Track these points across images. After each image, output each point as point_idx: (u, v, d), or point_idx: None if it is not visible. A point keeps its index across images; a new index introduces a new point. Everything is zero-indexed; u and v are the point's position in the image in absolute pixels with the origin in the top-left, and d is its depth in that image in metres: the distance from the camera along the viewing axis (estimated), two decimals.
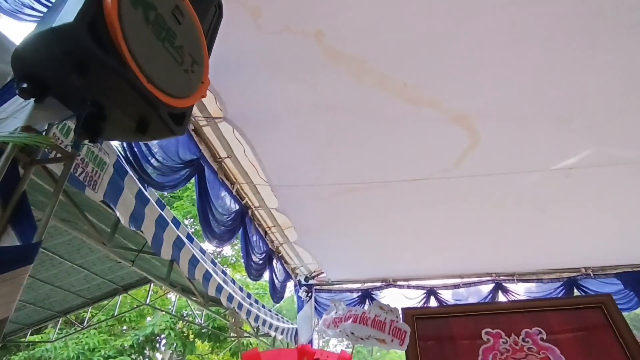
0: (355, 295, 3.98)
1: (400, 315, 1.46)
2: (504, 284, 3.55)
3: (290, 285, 4.39)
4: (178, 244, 1.91)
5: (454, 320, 1.57)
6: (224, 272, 3.19)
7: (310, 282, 4.01)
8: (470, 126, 1.75)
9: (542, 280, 3.52)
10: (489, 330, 1.51)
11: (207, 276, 2.24)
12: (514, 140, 1.94)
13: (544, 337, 1.44)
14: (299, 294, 3.97)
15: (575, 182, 2.31)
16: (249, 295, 3.29)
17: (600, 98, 1.63)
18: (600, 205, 2.72)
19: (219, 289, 2.36)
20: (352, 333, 1.51)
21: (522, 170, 2.18)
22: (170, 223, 1.83)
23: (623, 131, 1.81)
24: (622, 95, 1.62)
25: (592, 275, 3.56)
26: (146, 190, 1.68)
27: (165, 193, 9.61)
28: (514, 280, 3.65)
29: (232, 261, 9.15)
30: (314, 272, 4.14)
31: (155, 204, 1.71)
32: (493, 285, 3.59)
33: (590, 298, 1.47)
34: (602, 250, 3.40)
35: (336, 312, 1.60)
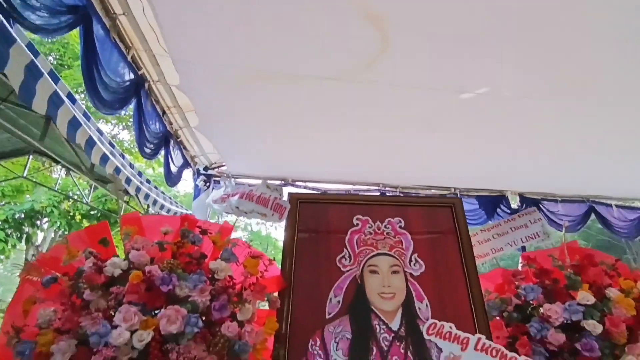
0: None
1: (284, 196, 1.62)
2: (387, 194, 4.06)
3: (189, 174, 4.36)
4: (56, 101, 1.72)
5: (331, 206, 1.77)
6: (123, 156, 3.01)
7: (210, 172, 4.03)
8: (384, 29, 1.79)
9: (418, 194, 4.11)
10: (360, 216, 1.74)
11: (91, 142, 2.10)
12: (424, 55, 2.05)
13: (402, 226, 1.72)
14: (197, 182, 3.99)
15: (471, 108, 2.59)
16: (140, 174, 3.19)
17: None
18: (485, 135, 3.13)
19: (105, 159, 2.24)
20: (237, 207, 1.63)
21: (425, 86, 2.36)
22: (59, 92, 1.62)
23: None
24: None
25: (458, 194, 4.29)
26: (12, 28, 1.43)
27: (52, 59, 8.23)
28: (397, 192, 4.20)
29: (126, 146, 8.60)
30: (215, 163, 4.16)
31: (25, 47, 1.48)
32: (379, 194, 4.09)
33: (444, 199, 1.77)
34: (472, 175, 4.06)
35: (225, 189, 1.69)
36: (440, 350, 1.41)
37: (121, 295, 1.25)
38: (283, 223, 1.65)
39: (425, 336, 1.43)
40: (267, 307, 1.52)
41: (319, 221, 1.74)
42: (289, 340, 1.46)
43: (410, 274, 1.61)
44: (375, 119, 2.89)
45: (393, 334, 1.46)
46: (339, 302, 1.54)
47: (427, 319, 1.49)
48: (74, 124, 1.89)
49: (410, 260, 1.64)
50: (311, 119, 2.91)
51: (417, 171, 3.84)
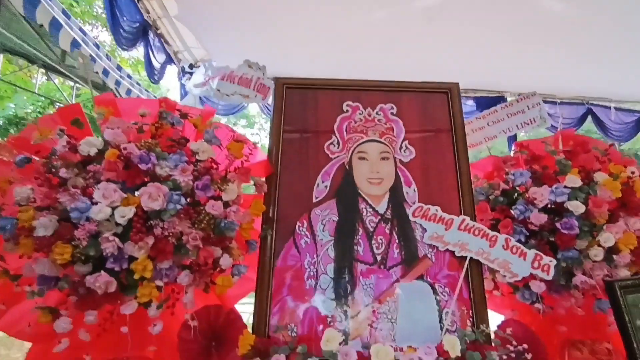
0: None
1: (267, 75, 1.52)
2: None
3: (173, 73, 4.14)
4: None
5: (320, 92, 1.67)
6: (97, 46, 2.77)
7: (195, 70, 3.81)
8: None
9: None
10: (350, 103, 1.64)
11: (56, 25, 1.90)
12: None
13: (394, 112, 1.64)
14: (183, 81, 3.79)
15: None
16: (119, 68, 3.00)
17: None
18: (490, 26, 2.90)
19: (76, 44, 2.05)
20: (218, 90, 1.53)
21: None
22: None
23: None
24: None
25: None
26: None
27: None
28: None
29: (108, 49, 8.09)
30: (200, 60, 3.92)
31: None
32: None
33: (440, 84, 1.66)
34: (471, 72, 3.89)
35: (205, 72, 1.57)
36: (424, 230, 1.44)
37: (99, 174, 1.21)
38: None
39: (411, 218, 1.45)
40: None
41: (306, 107, 1.66)
42: (277, 223, 1.48)
43: (400, 160, 1.58)
44: (372, 10, 2.63)
45: (379, 217, 1.48)
46: (326, 187, 1.53)
47: (414, 203, 1.50)
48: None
49: (401, 147, 1.60)
50: (305, 6, 2.64)
51: (413, 68, 3.66)
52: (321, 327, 1.33)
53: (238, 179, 1.36)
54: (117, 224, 1.17)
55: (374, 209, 1.50)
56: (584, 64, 4.05)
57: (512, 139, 3.10)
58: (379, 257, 1.43)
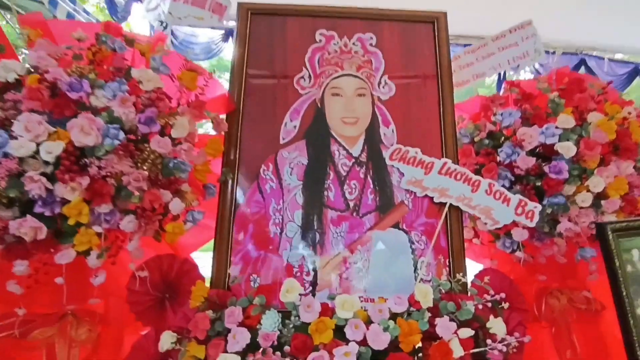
0: None
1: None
2: None
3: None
4: None
5: (290, 19, 1.47)
6: None
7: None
8: None
9: None
10: (324, 31, 1.45)
11: None
12: None
13: (373, 43, 1.46)
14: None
15: None
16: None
17: None
18: None
19: None
20: (170, 13, 1.31)
21: None
22: None
23: None
24: None
25: None
26: None
27: None
28: None
29: None
30: None
31: None
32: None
33: (424, 13, 1.47)
34: (461, 17, 3.65)
35: None
36: (402, 175, 1.31)
37: (20, 103, 1.02)
38: None
39: (388, 162, 1.32)
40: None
41: (273, 36, 1.45)
42: (239, 166, 1.33)
43: (378, 97, 1.41)
44: None
45: (353, 160, 1.34)
46: (295, 126, 1.37)
47: (392, 145, 1.36)
48: None
49: (380, 83, 1.43)
50: None
51: None
52: (287, 278, 1.22)
53: (190, 114, 1.18)
54: (46, 163, 1.00)
55: (347, 151, 1.35)
56: (579, 12, 3.85)
57: (501, 84, 2.94)
58: (351, 204, 1.30)
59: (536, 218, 1.27)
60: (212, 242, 1.29)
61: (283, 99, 1.40)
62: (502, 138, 1.42)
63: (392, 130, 1.38)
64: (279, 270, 1.23)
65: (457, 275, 1.19)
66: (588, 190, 1.31)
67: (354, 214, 1.29)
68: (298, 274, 1.23)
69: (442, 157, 1.35)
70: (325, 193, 1.30)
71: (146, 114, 1.09)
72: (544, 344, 1.51)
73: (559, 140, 1.33)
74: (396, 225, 1.29)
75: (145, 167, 1.06)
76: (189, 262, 1.23)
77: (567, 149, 1.30)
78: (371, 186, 1.32)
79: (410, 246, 1.28)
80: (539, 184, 1.33)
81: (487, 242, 1.48)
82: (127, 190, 1.04)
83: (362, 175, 1.33)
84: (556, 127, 1.33)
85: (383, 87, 1.43)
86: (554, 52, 4.27)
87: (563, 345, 1.49)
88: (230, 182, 1.31)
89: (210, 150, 1.21)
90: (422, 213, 1.31)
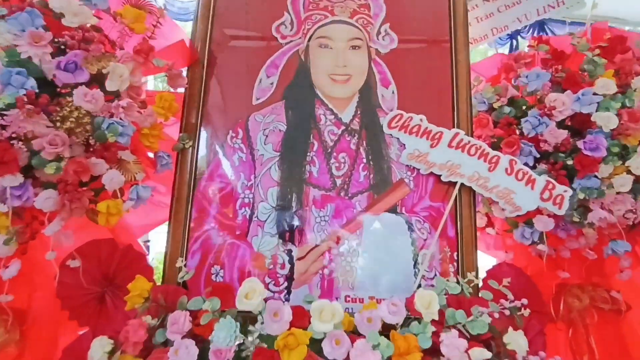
0: None
1: None
2: None
3: None
4: None
5: None
6: None
7: None
8: None
9: None
10: None
11: None
12: None
13: None
14: None
15: None
16: None
17: None
18: None
19: None
20: None
21: None
22: None
23: None
24: None
25: None
26: None
27: None
28: None
29: None
30: None
31: None
32: None
33: None
34: None
35: None
36: (402, 146, 1.06)
37: None
38: None
39: (386, 130, 1.07)
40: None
41: None
42: (201, 131, 1.08)
43: (377, 50, 1.15)
44: None
45: (343, 127, 1.09)
46: (272, 84, 1.11)
47: (392, 110, 1.11)
48: None
49: (379, 33, 1.16)
50: None
51: None
52: (257, 270, 0.99)
53: (133, 61, 0.92)
54: None
55: (336, 116, 1.10)
56: None
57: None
58: (339, 181, 1.06)
59: (566, 205, 1.04)
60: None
61: (258, 50, 1.13)
62: (527, 106, 1.16)
63: (393, 92, 1.13)
64: (248, 262, 1.00)
65: (468, 274, 0.97)
66: (629, 172, 1.08)
67: (342, 193, 1.05)
68: (271, 266, 1.00)
69: (453, 126, 1.10)
70: (307, 167, 1.06)
71: (68, 58, 0.82)
72: (558, 348, 1.31)
73: (597, 110, 1.08)
74: (393, 209, 1.06)
75: (66, 127, 0.81)
76: (133, 250, 0.99)
77: (608, 119, 1.06)
78: (364, 160, 1.08)
79: (410, 235, 1.04)
80: (570, 162, 1.09)
81: (502, 232, 1.25)
82: (41, 158, 0.79)
83: (353, 147, 1.08)
84: (594, 94, 1.08)
85: (383, 39, 1.16)
86: (571, 23, 3.96)
87: (580, 349, 1.30)
88: (190, 151, 1.06)
89: (160, 109, 0.95)
90: (425, 195, 1.08)
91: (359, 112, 1.10)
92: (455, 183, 1.05)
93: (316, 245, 1.01)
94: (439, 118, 1.10)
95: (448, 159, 1.06)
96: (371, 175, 1.07)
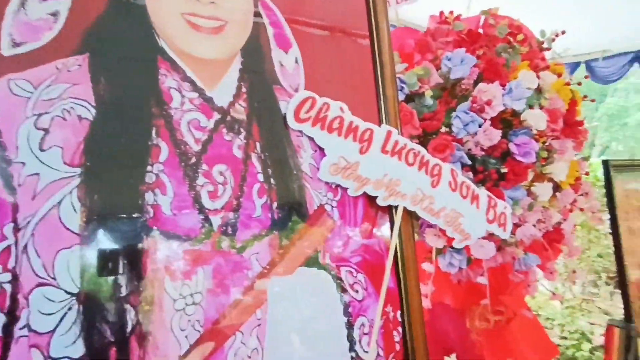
0: None
1: None
2: None
3: None
4: None
5: None
6: None
7: None
8: None
9: None
10: None
11: None
12: None
13: None
14: None
15: None
16: None
17: None
18: None
19: None
20: None
21: None
22: None
23: None
24: None
25: None
26: None
27: None
28: None
29: None
30: None
31: None
32: None
33: None
34: None
35: None
36: (319, 151, 0.64)
37: None
38: None
39: (293, 124, 0.62)
40: None
41: None
42: None
43: None
44: None
45: (217, 115, 0.59)
46: (54, 16, 0.51)
47: (297, 91, 0.67)
48: None
49: None
50: None
51: None
52: None
53: None
54: None
55: (202, 94, 0.59)
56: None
57: None
58: (216, 220, 0.56)
59: (510, 225, 0.83)
60: None
61: None
62: (458, 97, 0.91)
63: (296, 60, 0.69)
64: None
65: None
66: (550, 180, 0.96)
67: (223, 244, 0.56)
68: None
69: (380, 121, 0.75)
70: (149, 197, 0.52)
71: None
72: None
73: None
74: (313, 260, 0.63)
75: None
76: None
77: (538, 118, 0.90)
78: (259, 177, 0.61)
79: (341, 299, 0.64)
80: (504, 170, 0.89)
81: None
82: None
83: (238, 153, 0.60)
84: (525, 88, 0.91)
85: None
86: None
87: None
88: None
89: None
90: (355, 228, 0.69)
91: (243, 90, 0.62)
92: (396, 207, 0.71)
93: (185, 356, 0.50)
94: (360, 107, 0.73)
95: (385, 172, 0.70)
96: (274, 204, 0.61)
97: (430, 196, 0.74)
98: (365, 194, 0.68)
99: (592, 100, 1.22)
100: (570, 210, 1.09)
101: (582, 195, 1.07)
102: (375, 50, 0.78)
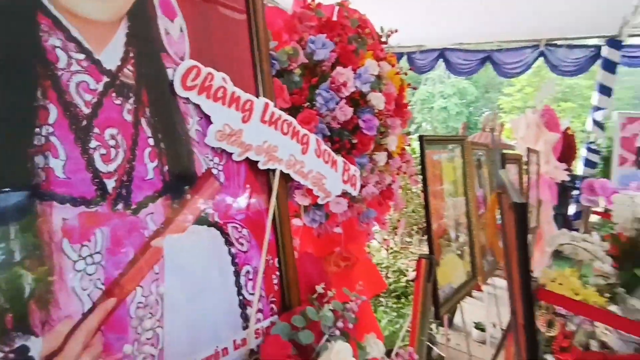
0: None
1: None
2: None
3: None
4: None
5: None
6: None
7: None
8: None
9: None
10: None
11: None
12: None
13: None
14: None
15: None
16: None
17: None
18: None
19: None
20: None
21: None
22: None
23: None
24: None
25: None
26: None
27: None
28: None
29: None
30: None
31: None
32: None
33: None
34: None
35: None
36: (205, 118, 0.72)
37: None
38: None
39: (180, 91, 0.68)
40: None
41: None
42: None
43: None
44: None
45: (106, 78, 0.59)
46: None
47: (182, 59, 0.70)
48: None
49: None
50: None
51: None
52: None
53: None
54: None
55: (90, 56, 0.57)
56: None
57: None
58: (110, 183, 0.58)
59: (359, 184, 1.05)
60: None
61: None
62: (319, 77, 1.06)
63: (181, 29, 0.71)
64: None
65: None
66: (385, 149, 1.22)
67: (119, 205, 0.58)
68: None
69: (257, 93, 0.85)
70: (39, 160, 0.50)
71: None
72: None
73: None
74: (203, 218, 0.70)
75: None
76: None
77: (379, 100, 1.13)
78: (150, 141, 0.64)
79: (229, 251, 0.73)
80: (355, 141, 1.10)
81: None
82: None
83: (128, 117, 0.61)
84: (371, 74, 1.12)
85: None
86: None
87: None
88: None
89: None
90: (239, 189, 0.78)
91: (131, 55, 0.63)
92: (274, 171, 0.82)
93: (80, 321, 0.52)
94: (240, 79, 0.80)
95: (264, 139, 0.80)
96: (165, 168, 0.65)
97: (301, 161, 0.88)
98: (247, 159, 0.78)
99: (414, 88, 1.55)
100: (397, 174, 1.39)
101: (405, 162, 1.39)
102: (252, 26, 0.85)
